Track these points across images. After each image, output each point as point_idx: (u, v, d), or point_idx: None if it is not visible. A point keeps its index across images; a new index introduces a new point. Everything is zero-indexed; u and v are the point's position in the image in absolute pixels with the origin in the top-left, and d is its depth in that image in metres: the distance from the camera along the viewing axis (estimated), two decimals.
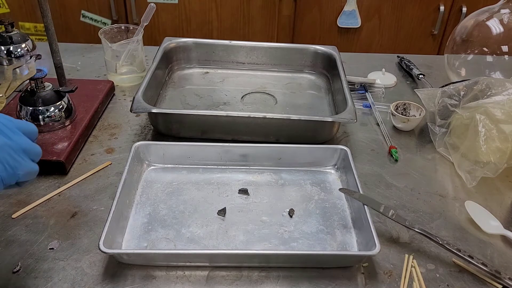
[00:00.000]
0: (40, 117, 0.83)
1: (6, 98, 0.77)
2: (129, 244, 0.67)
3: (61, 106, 0.85)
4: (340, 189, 0.76)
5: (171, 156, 0.81)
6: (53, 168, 0.78)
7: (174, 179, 0.79)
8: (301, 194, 0.77)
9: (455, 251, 0.65)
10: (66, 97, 0.86)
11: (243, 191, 0.77)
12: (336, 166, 0.82)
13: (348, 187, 0.76)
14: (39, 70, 0.83)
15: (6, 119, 0.55)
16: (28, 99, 0.83)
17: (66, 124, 0.86)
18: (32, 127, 0.58)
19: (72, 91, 0.85)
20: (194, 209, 0.73)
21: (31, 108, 0.83)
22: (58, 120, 0.85)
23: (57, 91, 0.85)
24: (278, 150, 0.82)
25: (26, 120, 0.83)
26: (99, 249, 0.59)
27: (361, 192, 0.72)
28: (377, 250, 0.61)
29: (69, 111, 0.86)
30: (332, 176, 0.81)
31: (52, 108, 0.84)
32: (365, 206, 0.68)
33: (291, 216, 0.73)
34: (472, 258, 0.64)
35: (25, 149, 0.55)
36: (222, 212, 0.72)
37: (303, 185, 0.79)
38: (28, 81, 0.83)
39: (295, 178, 0.81)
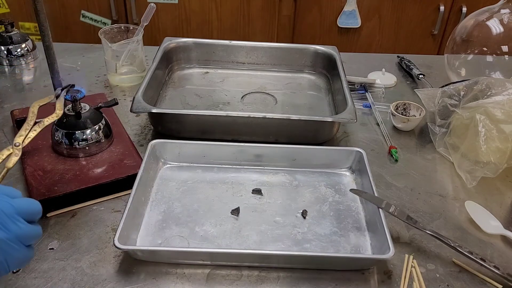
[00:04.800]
0: (93, 137, 0.78)
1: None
2: (143, 241, 0.67)
3: (104, 121, 0.81)
4: (351, 190, 0.76)
5: (186, 154, 0.81)
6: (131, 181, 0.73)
7: (189, 178, 0.79)
8: (315, 195, 0.77)
9: (467, 254, 0.65)
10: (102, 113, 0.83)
11: (257, 191, 0.77)
12: (351, 168, 0.82)
13: (363, 189, 0.76)
14: (77, 91, 0.77)
15: (6, 204, 0.47)
16: (74, 123, 0.77)
17: (112, 139, 0.82)
18: (35, 207, 0.50)
19: (114, 104, 0.81)
20: (208, 208, 0.73)
21: (81, 131, 0.77)
22: (109, 135, 0.81)
23: (97, 108, 0.81)
24: (293, 151, 0.82)
25: (84, 145, 0.78)
26: (114, 245, 0.60)
27: (376, 195, 0.71)
28: (391, 253, 0.61)
29: (108, 125, 0.82)
30: (347, 178, 0.81)
31: (99, 125, 0.79)
32: (380, 209, 0.68)
33: (304, 217, 0.72)
34: (484, 261, 0.64)
35: (22, 238, 0.48)
36: (236, 211, 0.72)
37: (317, 187, 0.79)
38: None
39: (310, 180, 0.80)
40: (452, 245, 0.66)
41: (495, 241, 0.71)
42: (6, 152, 0.65)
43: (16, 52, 1.12)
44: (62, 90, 0.77)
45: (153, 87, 0.97)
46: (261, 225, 0.71)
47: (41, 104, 0.74)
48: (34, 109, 0.72)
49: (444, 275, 0.65)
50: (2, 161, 0.64)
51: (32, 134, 0.68)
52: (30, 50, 1.14)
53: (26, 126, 0.69)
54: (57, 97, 0.76)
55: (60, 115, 0.74)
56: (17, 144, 0.66)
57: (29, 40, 1.15)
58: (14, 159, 0.65)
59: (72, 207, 0.73)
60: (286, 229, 0.70)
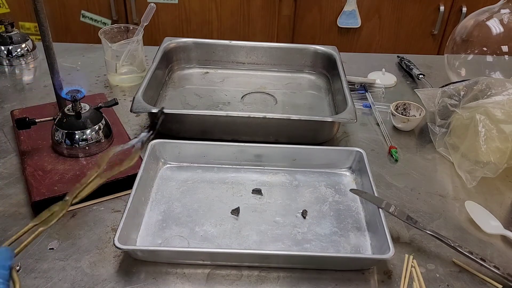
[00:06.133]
0: (93, 137, 0.79)
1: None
2: (143, 241, 0.67)
3: (104, 121, 0.81)
4: (351, 190, 0.76)
5: (186, 154, 0.81)
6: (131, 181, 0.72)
7: (189, 178, 0.79)
8: (315, 195, 0.77)
9: (467, 254, 0.65)
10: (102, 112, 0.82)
11: (257, 191, 0.77)
12: (351, 168, 0.82)
13: (363, 189, 0.76)
14: (77, 91, 0.76)
15: None
16: (74, 123, 0.77)
17: (112, 139, 0.83)
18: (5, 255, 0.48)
19: (114, 104, 0.80)
20: (208, 208, 0.73)
21: (81, 131, 0.77)
22: (109, 135, 0.82)
23: (97, 108, 0.80)
24: (293, 151, 0.82)
25: (84, 145, 0.78)
26: (114, 245, 0.60)
27: (376, 195, 0.71)
28: (391, 253, 0.61)
29: (108, 125, 0.83)
30: (347, 178, 0.81)
31: (99, 125, 0.80)
32: (380, 209, 0.68)
33: (304, 217, 0.72)
34: (484, 261, 0.64)
35: None
36: (236, 211, 0.73)
37: (317, 187, 0.79)
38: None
39: (310, 180, 0.80)
40: (452, 245, 0.66)
41: (495, 241, 0.71)
42: None
43: (16, 52, 1.12)
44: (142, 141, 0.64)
45: (153, 87, 0.97)
46: (261, 225, 0.71)
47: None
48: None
49: (444, 275, 0.65)
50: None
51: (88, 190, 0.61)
52: (30, 50, 1.14)
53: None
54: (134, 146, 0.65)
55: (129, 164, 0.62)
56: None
57: (29, 40, 1.15)
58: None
59: (72, 207, 0.72)
60: (286, 229, 0.70)
